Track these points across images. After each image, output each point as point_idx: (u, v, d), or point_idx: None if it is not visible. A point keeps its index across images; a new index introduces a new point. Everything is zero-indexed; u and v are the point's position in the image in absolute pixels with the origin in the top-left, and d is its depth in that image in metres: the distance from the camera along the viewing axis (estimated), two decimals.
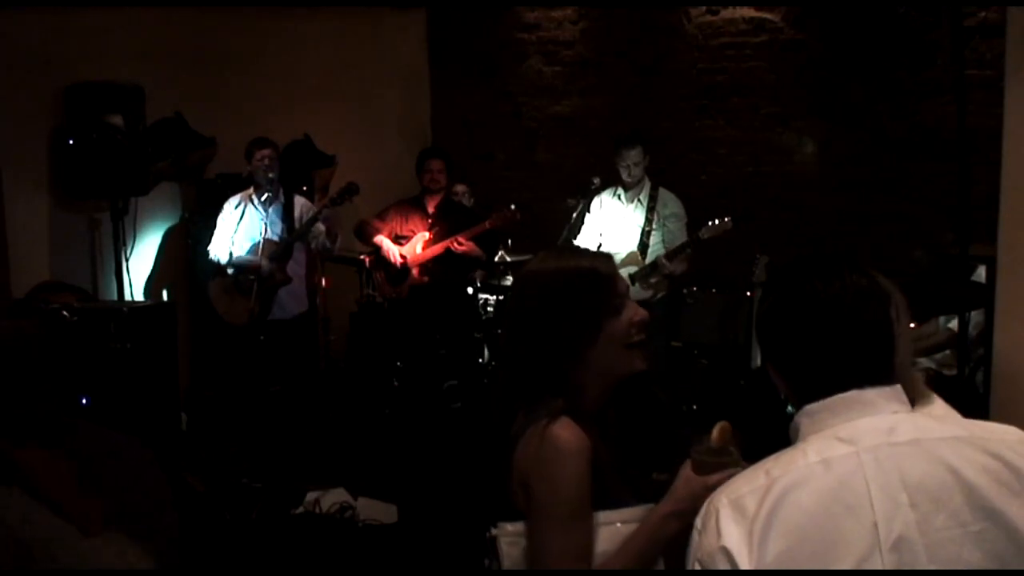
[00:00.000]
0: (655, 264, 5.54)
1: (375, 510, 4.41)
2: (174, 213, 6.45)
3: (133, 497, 1.81)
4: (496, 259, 6.23)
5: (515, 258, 6.20)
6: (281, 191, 5.82)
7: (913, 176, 6.40)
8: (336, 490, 4.54)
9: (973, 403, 3.85)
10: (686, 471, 1.70)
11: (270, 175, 5.68)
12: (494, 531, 1.83)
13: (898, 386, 1.46)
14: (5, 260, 5.09)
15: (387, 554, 4.16)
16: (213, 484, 4.53)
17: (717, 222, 5.42)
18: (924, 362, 4.63)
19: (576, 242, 5.60)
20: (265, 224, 5.72)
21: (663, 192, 5.72)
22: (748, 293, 5.82)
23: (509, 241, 6.29)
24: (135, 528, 1.69)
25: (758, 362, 5.52)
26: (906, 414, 1.44)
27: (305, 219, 5.74)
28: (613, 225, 5.70)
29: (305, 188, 6.25)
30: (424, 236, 6.17)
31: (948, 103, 5.27)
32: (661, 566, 1.75)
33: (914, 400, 1.84)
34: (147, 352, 4.42)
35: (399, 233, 6.25)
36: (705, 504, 1.42)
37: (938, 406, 1.93)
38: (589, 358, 1.81)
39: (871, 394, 1.43)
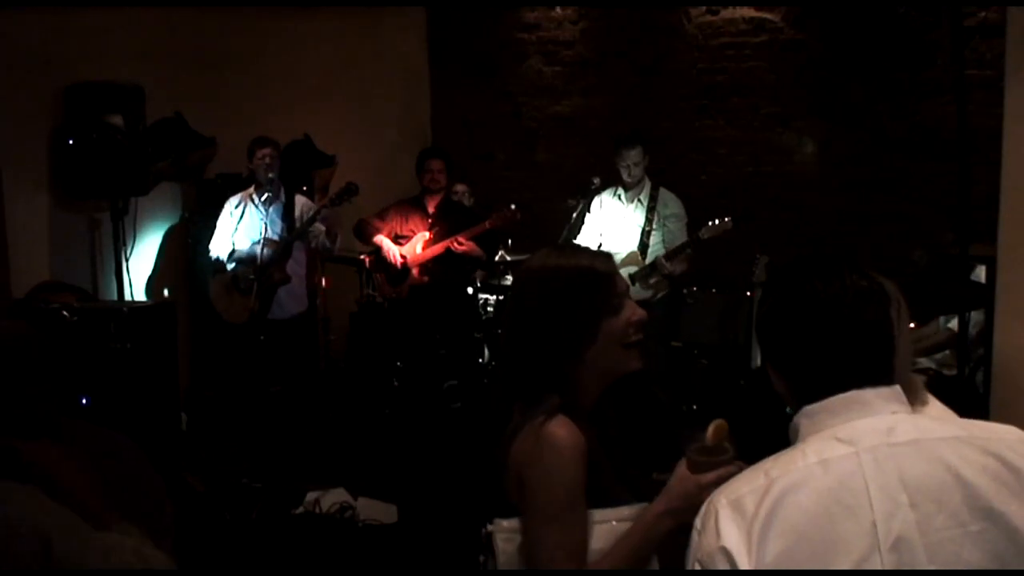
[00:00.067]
0: (655, 264, 5.54)
1: (375, 510, 4.41)
2: (174, 213, 6.45)
3: (134, 496, 1.82)
4: (496, 259, 6.24)
5: (515, 257, 6.21)
6: (282, 190, 5.82)
7: (913, 176, 6.40)
8: (336, 490, 4.54)
9: (973, 403, 3.85)
10: (681, 469, 1.70)
11: (270, 174, 5.68)
12: (490, 527, 1.85)
13: (897, 387, 1.46)
14: (5, 260, 5.08)
15: (387, 554, 4.16)
16: (213, 484, 4.53)
17: (717, 222, 5.42)
18: (924, 362, 4.63)
19: (576, 242, 5.60)
20: (265, 223, 5.72)
21: (663, 192, 5.72)
22: (748, 293, 5.82)
23: (509, 241, 6.29)
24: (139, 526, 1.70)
25: (758, 362, 5.52)
26: (905, 414, 1.44)
27: (305, 219, 5.74)
28: (613, 225, 5.70)
29: (305, 188, 6.25)
30: (424, 236, 6.17)
31: (948, 103, 5.27)
32: (655, 564, 1.75)
33: (912, 402, 1.84)
34: (147, 352, 4.42)
35: (399, 233, 6.25)
36: (705, 504, 1.43)
37: (935, 408, 1.94)
38: (586, 356, 1.82)
39: (870, 395, 1.43)
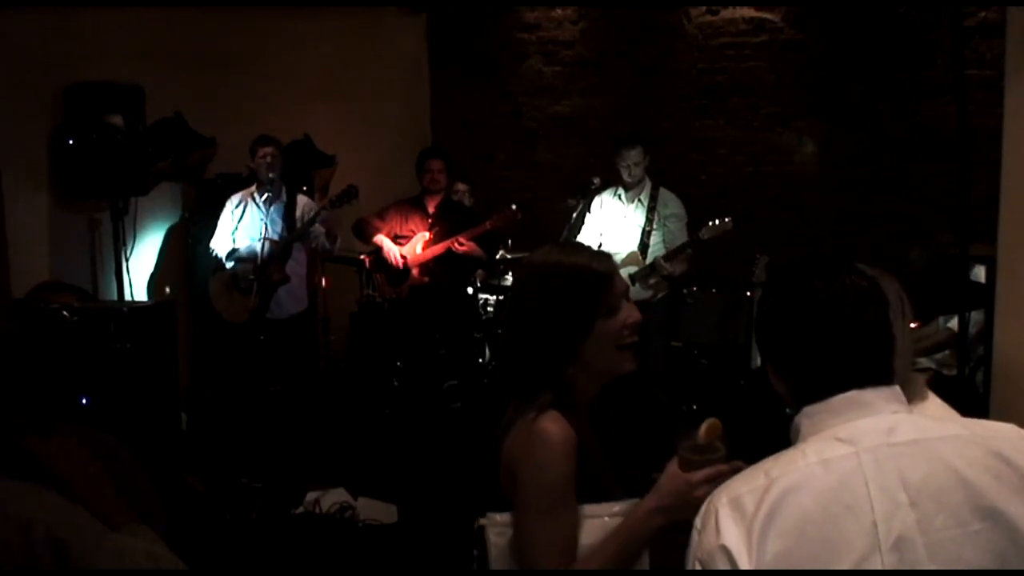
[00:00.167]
0: (654, 265, 5.54)
1: (375, 510, 4.41)
2: (174, 213, 6.45)
3: (134, 496, 1.82)
4: (496, 258, 6.24)
5: (515, 256, 6.22)
6: (284, 190, 5.82)
7: (913, 176, 6.41)
8: (336, 490, 4.54)
9: (973, 403, 3.85)
10: (672, 467, 1.71)
11: (271, 174, 5.68)
12: (482, 521, 1.87)
13: (897, 387, 1.47)
14: (5, 260, 5.08)
15: (387, 554, 4.16)
16: (213, 484, 4.53)
17: (717, 222, 5.42)
18: (924, 362, 4.63)
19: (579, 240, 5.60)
20: (266, 223, 5.72)
21: (664, 192, 5.72)
22: (748, 293, 5.82)
23: (509, 241, 6.29)
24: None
25: (758, 362, 5.52)
26: (905, 414, 1.44)
27: (306, 220, 5.75)
28: (613, 225, 5.70)
29: (305, 188, 6.25)
30: (424, 236, 6.17)
31: (948, 103, 5.27)
32: (646, 561, 1.76)
33: (911, 398, 1.85)
34: (147, 352, 4.41)
35: (398, 233, 6.24)
36: (705, 504, 1.43)
37: (935, 405, 1.94)
38: (580, 355, 1.83)
39: (870, 395, 1.43)
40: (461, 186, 6.73)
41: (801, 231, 6.65)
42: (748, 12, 6.86)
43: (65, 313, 3.65)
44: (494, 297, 6.10)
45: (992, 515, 1.34)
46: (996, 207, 3.77)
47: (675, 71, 7.14)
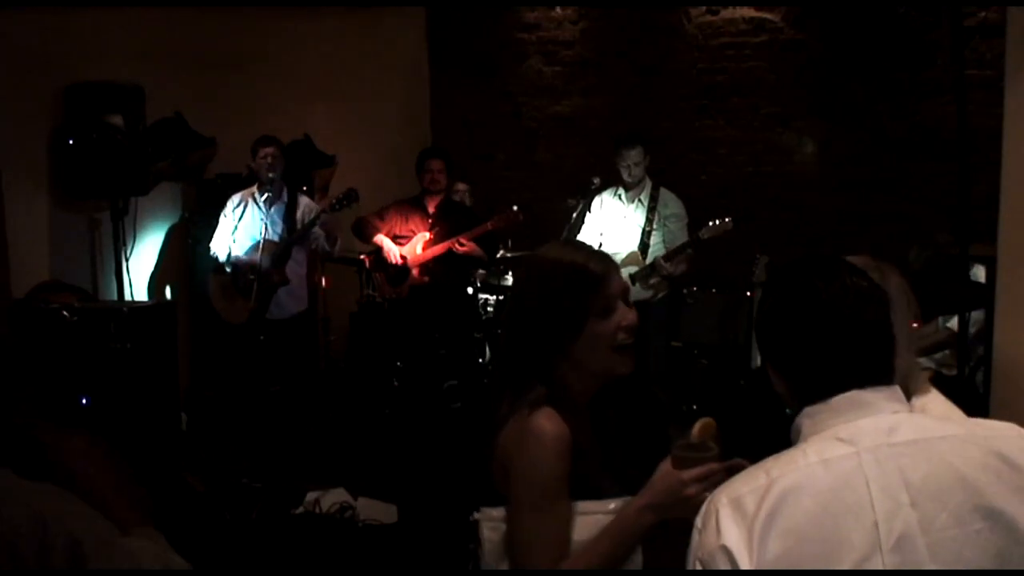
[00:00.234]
0: (654, 265, 5.54)
1: (375, 510, 4.41)
2: (174, 213, 6.45)
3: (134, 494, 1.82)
4: (496, 258, 6.24)
5: (515, 255, 6.22)
6: (284, 191, 5.82)
7: (913, 176, 6.41)
8: (336, 490, 4.54)
9: (973, 403, 3.85)
10: (665, 465, 1.72)
11: (271, 174, 5.68)
12: (477, 515, 1.88)
13: (897, 387, 1.47)
14: (5, 260, 5.08)
15: (387, 554, 4.16)
16: (213, 484, 4.53)
17: (717, 222, 5.42)
18: (924, 362, 4.63)
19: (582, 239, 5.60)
20: (266, 224, 5.72)
21: (664, 192, 5.72)
22: (748, 293, 5.83)
23: (509, 241, 6.29)
24: None
25: (758, 362, 5.52)
26: (906, 414, 1.44)
27: (306, 222, 5.75)
28: (614, 225, 5.70)
29: (305, 188, 6.25)
30: (425, 236, 6.16)
31: (948, 103, 5.27)
32: (639, 558, 1.76)
33: (914, 391, 1.85)
34: (147, 352, 4.41)
35: (398, 233, 6.24)
36: (705, 503, 1.43)
37: (937, 399, 1.95)
38: (572, 353, 1.83)
39: (871, 395, 1.43)
40: (461, 186, 6.73)
41: (801, 231, 6.66)
42: (748, 12, 6.86)
43: (65, 313, 3.65)
44: (494, 297, 6.11)
45: (993, 515, 1.34)
46: (996, 207, 3.77)
47: (675, 71, 7.14)
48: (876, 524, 1.33)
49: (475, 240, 6.07)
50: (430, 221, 6.22)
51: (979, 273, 4.62)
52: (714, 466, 1.68)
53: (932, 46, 6.21)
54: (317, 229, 5.74)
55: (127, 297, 5.60)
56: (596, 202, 5.76)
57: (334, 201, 5.78)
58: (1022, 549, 1.34)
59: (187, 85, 6.06)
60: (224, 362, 6.04)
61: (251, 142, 5.77)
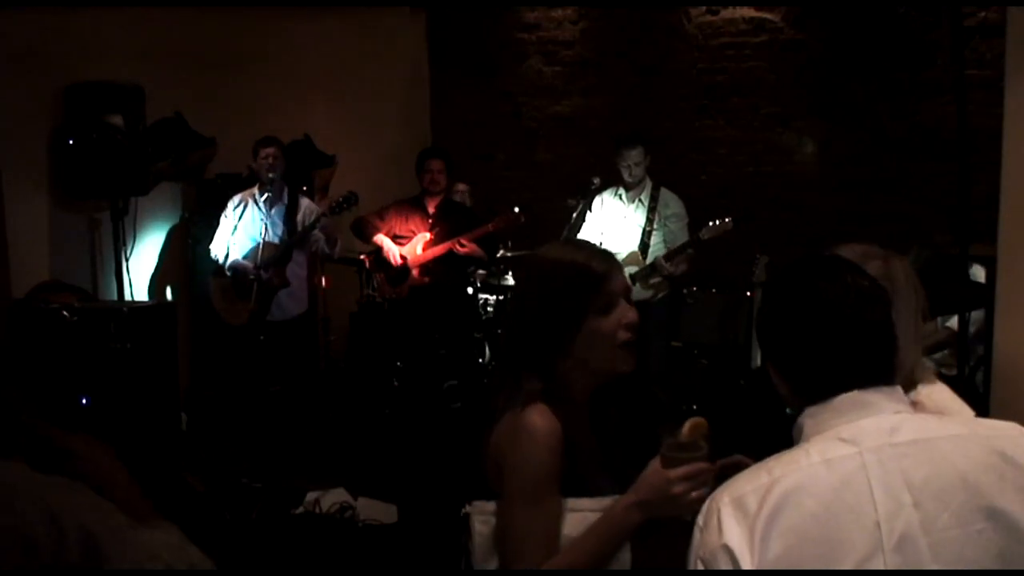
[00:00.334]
0: (654, 265, 5.54)
1: (375, 510, 4.41)
2: (174, 213, 6.45)
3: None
4: (496, 258, 6.24)
5: (515, 255, 6.22)
6: (285, 192, 5.82)
7: (913, 176, 6.41)
8: (336, 490, 4.54)
9: (973, 403, 3.85)
10: (654, 464, 1.72)
11: (271, 174, 5.68)
12: (468, 508, 1.89)
13: (899, 387, 1.47)
14: (5, 260, 5.08)
15: (387, 554, 4.16)
16: (213, 484, 4.53)
17: (718, 222, 5.42)
18: (924, 362, 4.62)
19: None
20: (266, 224, 5.72)
21: (664, 192, 5.71)
22: (748, 293, 5.83)
23: (509, 241, 6.29)
24: None
25: (758, 362, 5.52)
26: (908, 414, 1.44)
27: (306, 224, 5.75)
28: (614, 225, 5.70)
29: (305, 188, 6.25)
30: (425, 237, 6.16)
31: (948, 103, 5.27)
32: (627, 555, 1.76)
33: (921, 381, 1.86)
34: (147, 352, 4.41)
35: (398, 233, 6.24)
36: (707, 502, 1.43)
37: (942, 391, 1.95)
38: (573, 350, 1.84)
39: (873, 395, 1.43)
40: (461, 186, 6.73)
41: (801, 231, 6.65)
42: (748, 12, 6.86)
43: (65, 313, 3.65)
44: (494, 297, 6.11)
45: (995, 515, 1.34)
46: (996, 207, 3.78)
47: (675, 71, 7.14)
48: (878, 524, 1.33)
49: (475, 240, 6.07)
50: (430, 221, 6.21)
51: (978, 273, 4.62)
52: (702, 465, 1.68)
53: (932, 46, 6.21)
54: (317, 232, 5.74)
55: (127, 297, 5.60)
56: (596, 202, 5.76)
57: (334, 204, 5.78)
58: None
59: (187, 85, 6.06)
60: (224, 362, 6.04)
61: (251, 142, 5.77)
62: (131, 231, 5.70)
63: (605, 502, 1.77)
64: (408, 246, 6.18)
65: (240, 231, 5.76)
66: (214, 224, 5.84)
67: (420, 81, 7.99)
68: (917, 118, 6.36)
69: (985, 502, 1.35)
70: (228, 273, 5.76)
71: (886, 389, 1.45)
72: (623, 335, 1.85)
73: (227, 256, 5.77)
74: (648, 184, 5.71)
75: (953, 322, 4.48)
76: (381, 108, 7.46)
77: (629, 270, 5.50)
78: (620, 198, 5.73)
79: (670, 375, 5.89)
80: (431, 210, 6.24)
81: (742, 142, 7.00)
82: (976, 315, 4.44)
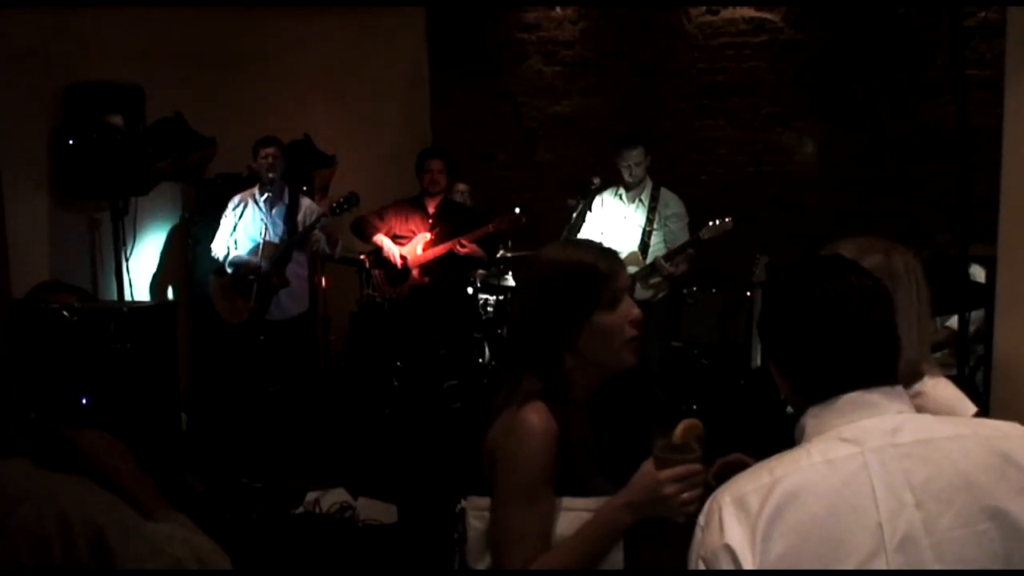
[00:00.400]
0: (654, 265, 5.54)
1: (375, 510, 4.41)
2: (174, 213, 6.45)
3: None
4: (496, 258, 6.24)
5: (516, 254, 6.22)
6: (286, 192, 5.82)
7: (913, 176, 6.41)
8: (336, 490, 4.54)
9: (973, 402, 3.85)
10: (646, 465, 1.72)
11: (271, 174, 5.68)
12: (464, 503, 1.90)
13: (901, 387, 1.46)
14: (5, 260, 5.08)
15: (387, 554, 4.16)
16: (213, 484, 4.52)
17: (718, 222, 5.42)
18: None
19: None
20: (266, 224, 5.72)
21: (665, 192, 5.71)
22: (748, 293, 5.83)
23: (509, 241, 6.29)
24: None
25: (758, 362, 5.52)
26: (910, 414, 1.44)
27: (307, 224, 5.75)
28: (614, 225, 5.70)
29: (305, 188, 6.25)
30: (425, 237, 6.16)
31: (948, 103, 5.27)
32: (621, 559, 1.76)
33: (927, 373, 1.86)
34: (147, 352, 4.41)
35: (398, 233, 6.24)
36: (708, 501, 1.43)
37: (946, 385, 1.95)
38: (578, 346, 1.84)
39: (876, 395, 1.43)
40: (461, 186, 6.73)
41: (801, 231, 6.65)
42: (748, 12, 6.86)
43: (65, 313, 3.65)
44: (494, 297, 6.10)
45: (997, 515, 1.34)
46: (996, 207, 3.77)
47: (675, 71, 7.14)
48: (880, 524, 1.32)
49: (476, 241, 6.07)
50: (430, 221, 6.21)
51: (978, 273, 4.62)
52: (693, 467, 1.68)
53: (932, 46, 6.21)
54: (317, 232, 5.75)
55: (127, 297, 5.60)
56: (597, 202, 5.76)
57: (334, 204, 5.78)
58: None
59: (187, 85, 6.06)
60: (224, 362, 6.04)
61: (251, 142, 5.77)
62: (131, 231, 5.70)
63: (600, 502, 1.78)
64: (408, 246, 6.18)
65: (240, 231, 5.76)
66: (214, 224, 5.84)
67: (420, 81, 7.99)
68: (917, 118, 6.36)
69: (987, 503, 1.35)
70: (229, 270, 5.76)
71: (888, 389, 1.44)
72: (629, 331, 1.86)
73: (227, 255, 5.77)
74: (648, 184, 5.71)
75: (953, 322, 4.48)
76: (381, 108, 7.46)
77: (629, 270, 5.49)
78: (620, 198, 5.73)
79: (670, 375, 5.89)
80: (431, 210, 6.24)
81: (742, 142, 7.00)
82: (976, 315, 4.45)
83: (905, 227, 6.23)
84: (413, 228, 6.23)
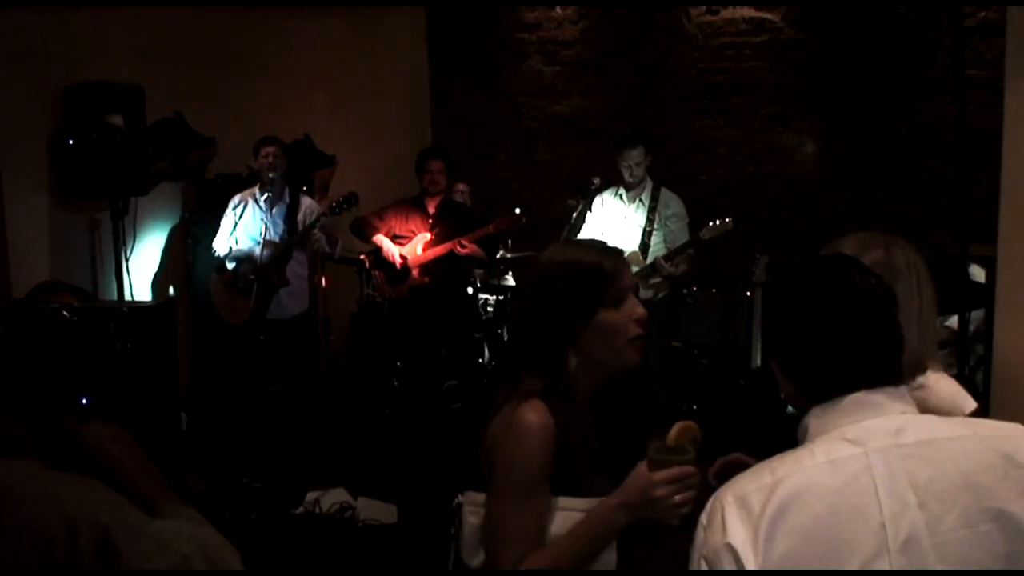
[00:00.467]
0: (655, 265, 5.54)
1: (375, 510, 4.41)
2: (174, 213, 6.45)
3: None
4: (496, 258, 6.24)
5: (516, 255, 6.22)
6: (286, 191, 5.82)
7: (913, 176, 6.41)
8: (336, 490, 4.54)
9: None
10: (641, 466, 1.72)
11: (271, 174, 5.68)
12: (460, 498, 1.91)
13: (904, 387, 1.46)
14: (5, 260, 5.08)
15: (387, 554, 4.16)
16: (213, 484, 4.53)
17: (718, 222, 5.42)
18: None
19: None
20: (266, 224, 5.72)
21: (665, 192, 5.71)
22: (748, 293, 5.82)
23: (509, 241, 6.29)
24: None
25: (758, 362, 5.52)
26: (914, 415, 1.44)
27: (307, 223, 5.75)
28: (614, 225, 5.70)
29: (305, 188, 6.25)
30: (425, 237, 6.16)
31: (948, 103, 5.27)
32: (612, 557, 1.76)
33: (926, 367, 1.87)
34: (147, 352, 4.41)
35: (397, 233, 6.23)
36: (710, 500, 1.43)
37: (946, 380, 1.96)
38: (581, 345, 1.85)
39: (879, 395, 1.43)
40: (461, 186, 6.73)
41: (801, 231, 6.65)
42: (748, 12, 6.86)
43: (65, 313, 3.65)
44: (494, 297, 6.10)
45: (1001, 516, 1.34)
46: (996, 207, 3.77)
47: (675, 71, 7.14)
48: (883, 525, 1.32)
49: (476, 241, 6.07)
50: (430, 222, 6.21)
51: (978, 273, 4.62)
52: (686, 469, 1.68)
53: (932, 46, 6.21)
54: (317, 231, 5.74)
55: (127, 297, 5.60)
56: (597, 202, 5.76)
57: (334, 204, 5.78)
58: None
59: (187, 85, 6.06)
60: (224, 362, 6.04)
61: (251, 142, 5.77)
62: (131, 231, 5.70)
63: (589, 502, 1.78)
64: (408, 246, 6.18)
65: (240, 230, 5.76)
66: (214, 224, 5.84)
67: (420, 81, 7.99)
68: (917, 118, 6.36)
69: (990, 503, 1.34)
70: (230, 265, 5.76)
71: (891, 390, 1.44)
72: (634, 329, 1.87)
73: (229, 252, 5.78)
74: (648, 184, 5.71)
75: (953, 322, 4.48)
76: (381, 108, 7.46)
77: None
78: (620, 198, 5.73)
79: (670, 375, 5.89)
80: (431, 210, 6.24)
81: (742, 142, 7.00)
82: (976, 315, 4.44)
83: (905, 227, 6.18)
84: (413, 228, 6.22)
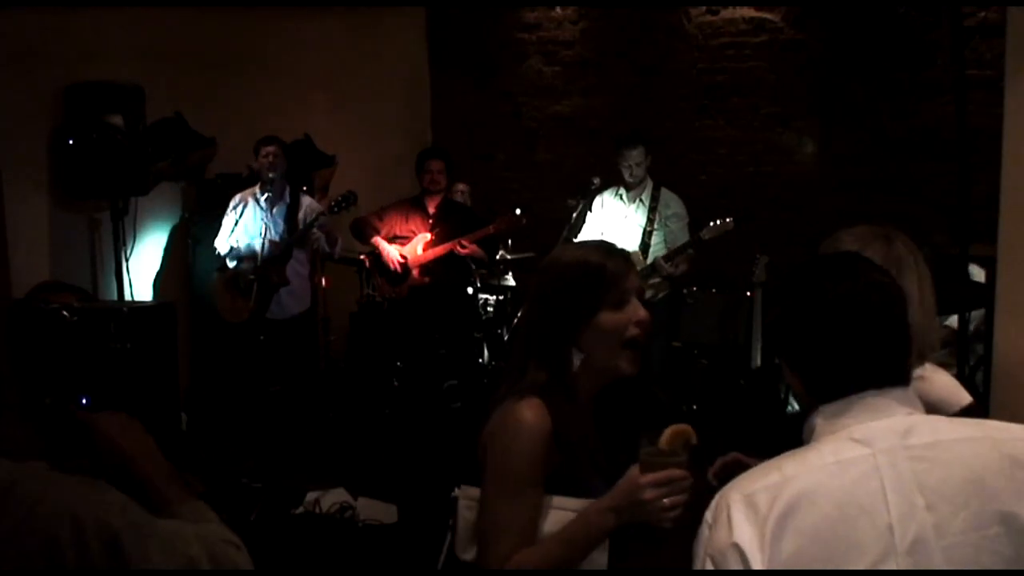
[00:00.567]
0: (655, 265, 5.54)
1: (375, 510, 4.41)
2: (174, 213, 6.45)
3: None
4: (496, 259, 6.24)
5: (516, 256, 6.22)
6: (287, 191, 5.83)
7: (913, 176, 6.40)
8: (336, 490, 4.54)
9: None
10: (633, 469, 1.71)
11: (271, 173, 5.68)
12: (457, 492, 1.91)
13: (911, 388, 1.46)
14: (5, 260, 5.08)
15: (387, 554, 4.16)
16: (213, 484, 4.52)
17: (718, 222, 5.42)
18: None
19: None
20: (267, 223, 5.72)
21: (665, 192, 5.71)
22: (748, 293, 5.82)
23: (509, 241, 6.29)
24: None
25: (758, 362, 5.52)
26: (921, 416, 1.44)
27: (306, 223, 5.75)
28: (614, 225, 5.70)
29: (305, 188, 6.26)
30: (425, 237, 6.16)
31: (948, 103, 5.27)
32: (603, 558, 1.75)
33: (927, 355, 1.87)
34: (147, 352, 4.42)
35: (398, 233, 6.23)
36: (716, 498, 1.41)
37: (945, 377, 1.97)
38: (581, 341, 1.85)
39: (887, 396, 1.42)
40: (461, 186, 6.73)
41: (801, 231, 6.64)
42: (748, 12, 6.86)
43: (65, 313, 3.65)
44: (494, 297, 6.10)
45: (1007, 519, 1.34)
46: (996, 207, 3.77)
47: (675, 71, 7.14)
48: (890, 527, 1.32)
49: (476, 241, 6.07)
50: (430, 222, 6.21)
51: (978, 273, 4.62)
52: (676, 472, 1.67)
53: (932, 46, 6.21)
54: (317, 231, 5.74)
55: (127, 297, 5.60)
56: (597, 202, 5.76)
57: (333, 203, 5.78)
58: None
59: (187, 85, 6.06)
60: (224, 362, 6.04)
61: (251, 142, 5.78)
62: (131, 231, 5.70)
63: (582, 503, 1.78)
64: (408, 246, 6.18)
65: (240, 229, 5.76)
66: (214, 224, 5.84)
67: (420, 81, 7.99)
68: (917, 118, 6.36)
69: (998, 506, 1.34)
70: (231, 263, 5.75)
71: (899, 390, 1.44)
72: (633, 330, 1.86)
73: (230, 251, 5.78)
74: (649, 184, 5.71)
75: (953, 322, 4.48)
76: (381, 108, 7.46)
77: None
78: (620, 198, 5.73)
79: (670, 375, 5.89)
80: (431, 210, 6.24)
81: (742, 142, 7.00)
82: (976, 315, 4.44)
83: (905, 227, 6.16)
84: (413, 228, 6.22)
